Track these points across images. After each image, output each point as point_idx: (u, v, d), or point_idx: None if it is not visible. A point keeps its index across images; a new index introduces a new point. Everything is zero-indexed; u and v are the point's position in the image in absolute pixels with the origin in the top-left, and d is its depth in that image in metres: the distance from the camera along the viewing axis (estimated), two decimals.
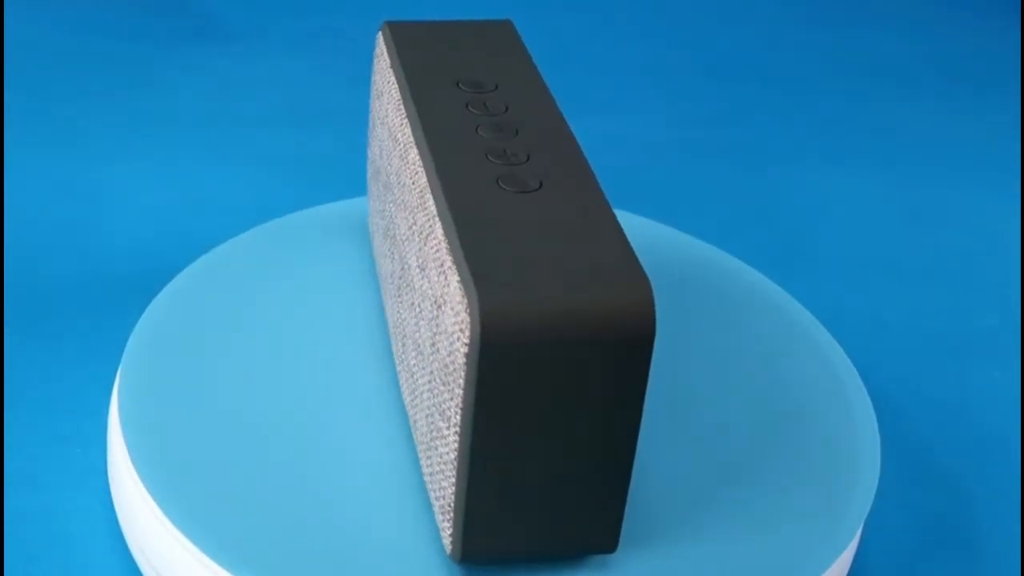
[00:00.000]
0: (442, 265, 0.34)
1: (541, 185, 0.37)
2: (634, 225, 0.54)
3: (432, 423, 0.35)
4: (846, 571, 0.41)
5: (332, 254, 0.50)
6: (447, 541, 0.36)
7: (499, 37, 0.46)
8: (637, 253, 0.52)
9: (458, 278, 0.33)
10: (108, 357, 0.51)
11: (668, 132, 0.73)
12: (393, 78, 0.44)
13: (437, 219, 0.36)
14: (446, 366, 0.33)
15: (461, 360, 0.32)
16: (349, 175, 0.66)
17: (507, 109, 0.41)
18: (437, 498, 0.36)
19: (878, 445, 0.43)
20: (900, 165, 0.73)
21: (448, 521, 0.35)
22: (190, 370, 0.43)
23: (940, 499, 0.48)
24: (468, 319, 0.32)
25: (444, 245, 0.34)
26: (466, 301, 0.32)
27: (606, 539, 0.36)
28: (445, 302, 0.33)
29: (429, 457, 0.36)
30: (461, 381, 0.33)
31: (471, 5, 0.88)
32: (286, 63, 0.78)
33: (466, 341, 0.32)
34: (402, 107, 0.42)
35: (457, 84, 0.43)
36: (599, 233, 0.35)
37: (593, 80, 0.79)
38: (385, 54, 0.45)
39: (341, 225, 0.52)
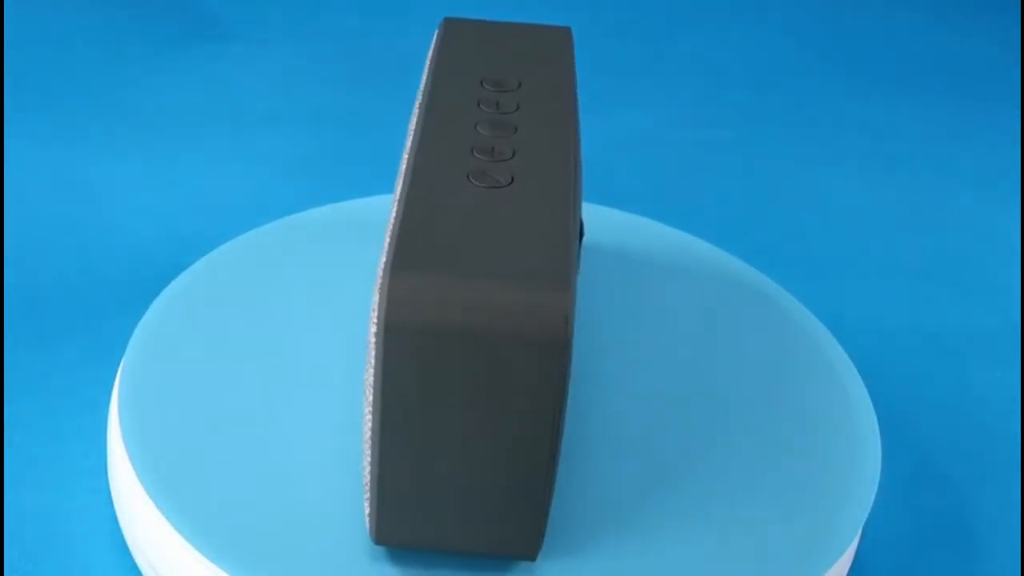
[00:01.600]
0: (385, 248, 0.34)
1: (512, 181, 0.37)
2: (634, 225, 0.54)
3: (365, 403, 0.36)
4: (846, 571, 0.41)
5: (333, 255, 0.50)
6: (367, 521, 0.36)
7: (549, 42, 0.46)
8: (636, 253, 0.52)
9: (385, 260, 0.33)
10: (108, 357, 0.51)
11: (668, 132, 0.73)
12: (426, 71, 0.44)
13: (396, 204, 0.36)
14: (370, 346, 0.34)
15: (373, 339, 0.33)
16: (350, 175, 0.66)
17: (517, 107, 0.41)
18: (365, 478, 0.36)
19: (878, 445, 0.43)
20: (900, 165, 0.73)
21: (367, 501, 0.36)
22: (190, 370, 0.43)
23: (940, 499, 0.48)
24: (378, 299, 0.32)
25: (393, 230, 0.35)
26: (382, 282, 0.33)
27: (526, 545, 0.36)
28: (376, 283, 0.34)
29: (364, 438, 0.36)
30: (374, 360, 0.33)
31: (472, 5, 0.88)
32: (286, 63, 0.78)
33: (375, 320, 0.33)
34: (420, 99, 0.42)
35: (481, 82, 0.43)
36: (545, 236, 0.34)
37: (593, 80, 0.79)
38: (432, 48, 0.46)
39: (342, 226, 0.52)
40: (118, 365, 0.49)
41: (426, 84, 0.43)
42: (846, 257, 0.63)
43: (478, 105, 0.41)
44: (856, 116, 0.78)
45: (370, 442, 0.35)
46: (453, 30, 0.47)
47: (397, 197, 0.38)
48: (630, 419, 0.43)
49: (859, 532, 0.40)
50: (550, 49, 0.46)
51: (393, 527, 0.36)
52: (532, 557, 0.36)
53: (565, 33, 0.47)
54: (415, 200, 0.35)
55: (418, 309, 0.32)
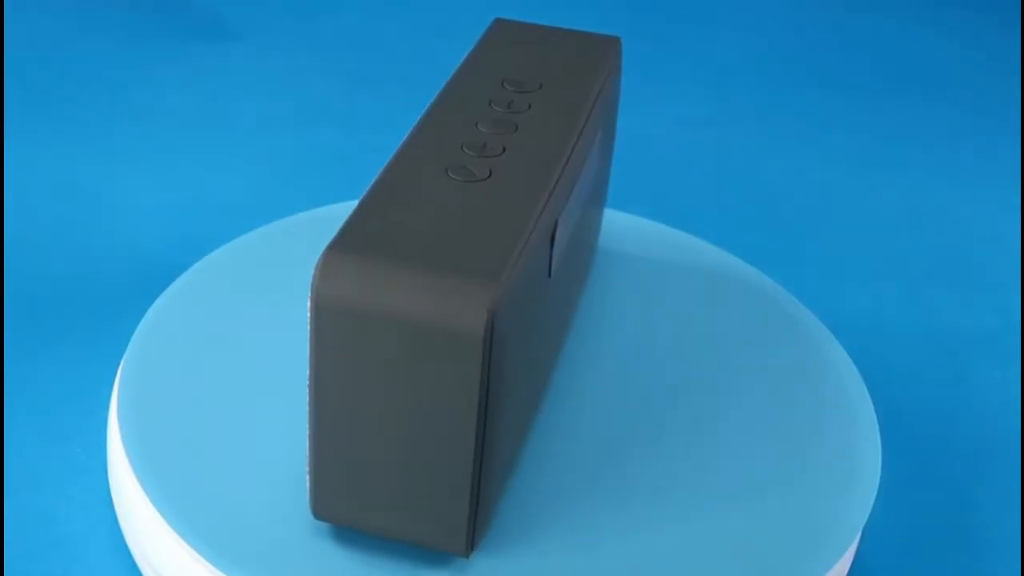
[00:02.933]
0: None
1: (489, 176, 0.37)
2: (634, 225, 0.54)
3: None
4: (846, 571, 0.41)
5: None
6: (308, 496, 0.36)
7: (591, 49, 0.46)
8: (636, 253, 0.52)
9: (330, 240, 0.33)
10: (108, 357, 0.51)
11: (667, 132, 0.73)
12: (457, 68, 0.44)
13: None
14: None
15: (308, 316, 0.33)
16: (350, 176, 0.66)
17: (529, 107, 0.41)
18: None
19: (878, 445, 0.43)
20: (900, 165, 0.73)
21: (307, 475, 0.36)
22: (190, 371, 0.43)
23: (940, 499, 0.48)
24: (311, 277, 0.32)
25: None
26: (319, 260, 0.33)
27: (453, 540, 0.36)
28: None
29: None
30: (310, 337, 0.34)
31: (471, 5, 0.88)
32: (286, 63, 0.78)
33: (309, 297, 0.33)
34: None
35: (502, 82, 0.43)
36: (498, 231, 0.34)
37: None
38: (473, 46, 0.46)
39: None
40: (118, 365, 0.49)
41: (449, 80, 0.43)
42: (846, 257, 0.63)
43: (489, 104, 0.41)
44: (856, 116, 0.78)
45: (307, 415, 0.35)
46: (499, 30, 0.47)
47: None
48: (628, 418, 0.43)
49: (859, 532, 0.40)
50: (589, 56, 0.45)
51: (329, 503, 0.36)
52: (462, 553, 0.36)
53: (612, 43, 0.46)
54: (381, 188, 0.36)
55: (345, 289, 0.32)
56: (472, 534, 0.36)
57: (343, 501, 0.36)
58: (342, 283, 0.32)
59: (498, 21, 0.47)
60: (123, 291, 0.55)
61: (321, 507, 0.36)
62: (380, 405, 0.34)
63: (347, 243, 0.33)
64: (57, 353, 0.51)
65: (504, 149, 0.39)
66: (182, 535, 0.37)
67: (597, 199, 0.47)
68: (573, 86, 0.43)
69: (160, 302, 0.46)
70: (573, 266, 0.43)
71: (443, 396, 0.33)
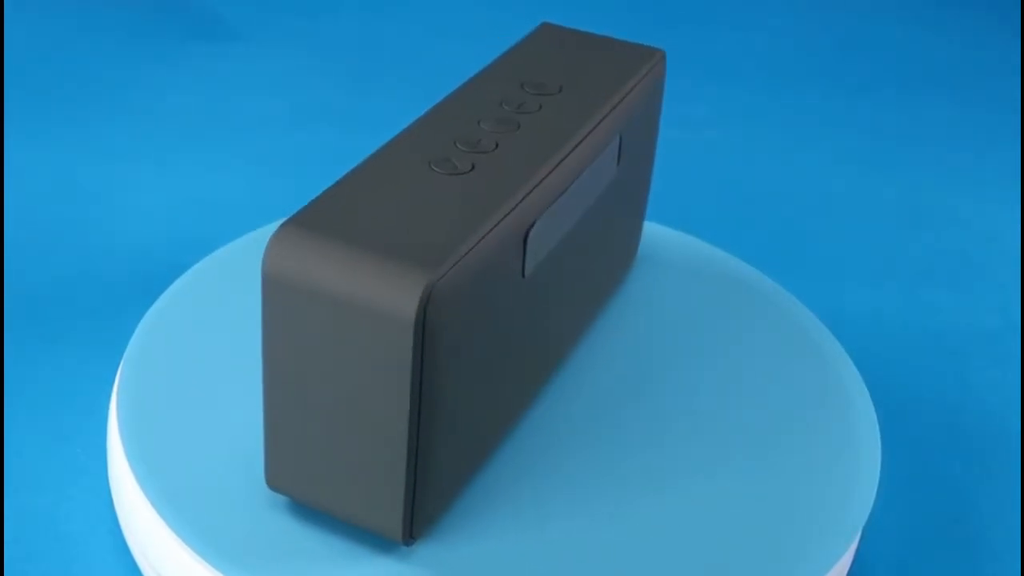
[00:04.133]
0: None
1: (472, 169, 0.37)
2: None
3: None
4: (846, 571, 0.41)
5: None
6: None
7: (630, 59, 0.45)
8: (637, 253, 0.52)
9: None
10: (108, 357, 0.51)
11: (667, 132, 0.73)
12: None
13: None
14: None
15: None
16: None
17: (539, 108, 0.41)
18: None
19: (878, 445, 0.43)
20: (900, 165, 0.73)
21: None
22: (190, 371, 0.43)
23: (940, 499, 0.48)
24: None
25: None
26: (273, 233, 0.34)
27: (391, 526, 0.36)
28: None
29: None
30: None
31: (471, 5, 0.88)
32: (286, 63, 0.78)
33: (262, 271, 0.34)
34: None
35: (522, 84, 0.42)
36: (459, 223, 0.34)
37: None
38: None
39: None
40: (118, 365, 0.49)
41: (470, 78, 0.43)
42: (846, 257, 0.63)
43: (500, 103, 0.41)
44: (856, 116, 0.78)
45: None
46: (542, 34, 0.46)
47: None
48: (625, 417, 0.43)
49: (859, 532, 0.40)
50: (621, 64, 0.45)
51: (281, 475, 0.37)
52: (399, 540, 0.36)
53: (651, 54, 0.46)
54: (357, 173, 0.36)
55: (292, 263, 0.33)
56: (411, 522, 0.36)
57: (293, 474, 0.36)
58: (290, 257, 0.33)
59: (544, 25, 0.47)
60: (123, 291, 0.55)
61: (274, 478, 0.37)
62: (322, 382, 0.34)
63: (302, 219, 0.34)
64: (57, 353, 0.51)
65: (496, 146, 0.38)
66: (181, 535, 0.37)
67: (622, 209, 0.46)
68: (592, 91, 0.42)
69: (160, 302, 0.46)
70: (578, 272, 0.42)
71: (377, 379, 0.33)
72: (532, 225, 0.37)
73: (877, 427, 0.43)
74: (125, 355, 0.43)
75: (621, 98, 0.42)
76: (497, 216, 0.35)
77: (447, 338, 0.33)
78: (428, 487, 0.36)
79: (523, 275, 0.37)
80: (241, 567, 0.36)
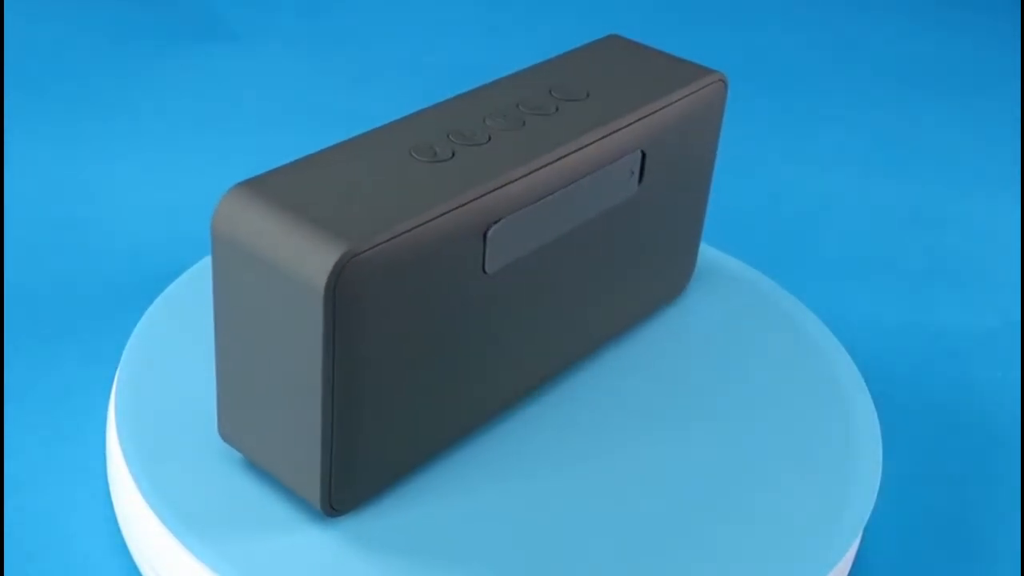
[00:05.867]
0: None
1: (451, 157, 0.37)
2: None
3: None
4: (847, 571, 0.41)
5: None
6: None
7: (679, 78, 0.43)
8: None
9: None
10: (108, 357, 0.51)
11: None
12: None
13: None
14: None
15: None
16: None
17: (556, 110, 0.40)
18: None
19: (879, 445, 0.43)
20: (900, 165, 0.73)
21: None
22: (190, 371, 0.43)
23: (940, 499, 0.48)
24: None
25: None
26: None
27: (311, 492, 0.36)
28: None
29: None
30: None
31: (471, 5, 0.88)
32: (286, 63, 0.78)
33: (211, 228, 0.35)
34: None
35: (550, 89, 0.41)
36: (408, 203, 0.35)
37: None
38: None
39: None
40: (118, 365, 0.49)
41: (501, 77, 0.43)
42: (846, 257, 0.63)
43: (517, 104, 0.40)
44: (856, 116, 0.78)
45: None
46: (603, 44, 0.45)
47: None
48: (623, 416, 0.43)
49: (859, 532, 0.40)
50: (666, 82, 0.43)
51: (230, 427, 0.38)
52: (317, 507, 0.37)
53: (708, 76, 0.43)
54: (333, 150, 0.37)
55: (234, 223, 0.34)
56: (330, 492, 0.36)
57: (241, 430, 0.37)
58: (234, 218, 0.34)
59: (611, 36, 0.46)
60: (123, 291, 0.55)
61: (224, 428, 0.38)
62: (256, 341, 0.35)
63: (255, 183, 0.35)
64: (57, 353, 0.51)
65: (489, 139, 0.38)
66: (180, 536, 0.37)
67: (652, 233, 0.44)
68: (617, 102, 0.41)
69: (159, 302, 0.46)
70: (576, 287, 0.41)
71: (299, 344, 0.34)
72: (496, 222, 0.36)
73: (877, 427, 0.43)
74: (124, 355, 0.43)
75: (648, 113, 0.41)
76: (451, 205, 0.35)
77: (367, 312, 0.34)
78: (350, 461, 0.36)
79: (484, 271, 0.37)
80: (240, 567, 0.36)
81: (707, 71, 0.44)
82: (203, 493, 0.38)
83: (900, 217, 0.67)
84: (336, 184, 0.35)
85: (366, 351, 0.34)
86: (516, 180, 0.37)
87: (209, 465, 0.39)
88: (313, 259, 0.33)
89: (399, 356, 0.35)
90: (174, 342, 0.44)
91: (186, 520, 0.37)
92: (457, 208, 0.35)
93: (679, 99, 0.42)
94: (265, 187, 0.35)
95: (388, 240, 0.33)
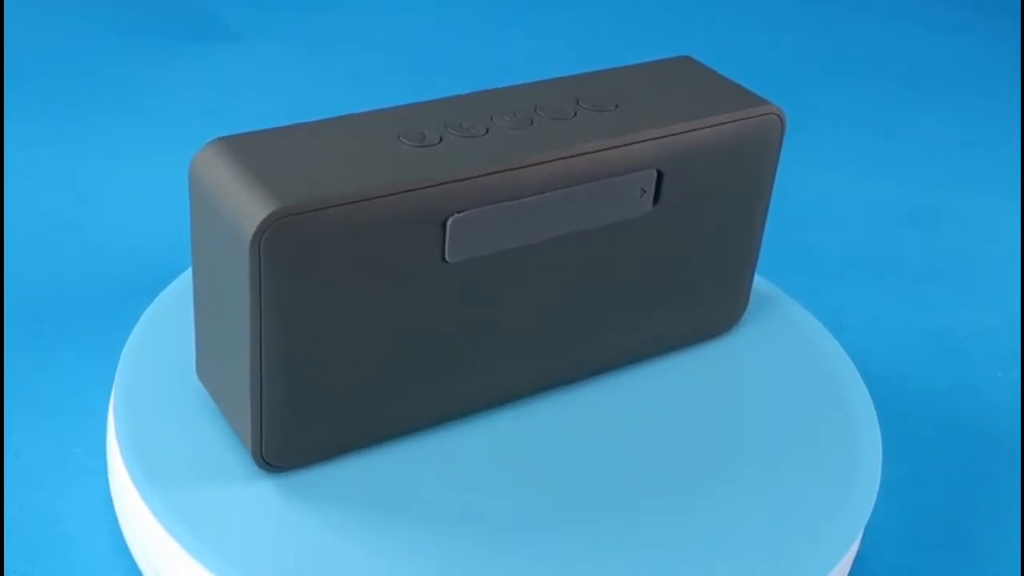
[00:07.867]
0: None
1: (440, 142, 0.37)
2: None
3: None
4: (847, 571, 0.41)
5: None
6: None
7: (723, 105, 0.41)
8: None
9: None
10: (108, 357, 0.50)
11: None
12: None
13: None
14: None
15: None
16: None
17: (573, 116, 0.39)
18: None
19: (878, 445, 0.43)
20: (900, 165, 0.73)
21: None
22: (189, 371, 0.43)
23: (940, 499, 0.48)
24: None
25: None
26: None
27: (247, 441, 0.38)
28: None
29: None
30: None
31: (472, 5, 0.88)
32: (286, 63, 0.78)
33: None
34: None
35: (578, 99, 0.40)
36: (365, 177, 0.35)
37: None
38: None
39: None
40: (118, 365, 0.49)
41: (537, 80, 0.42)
42: (846, 257, 0.63)
43: (535, 108, 0.39)
44: (856, 116, 0.78)
45: None
46: (668, 64, 0.43)
47: None
48: (621, 415, 0.43)
49: (860, 532, 0.40)
50: (708, 107, 0.40)
51: (203, 369, 0.40)
52: (256, 462, 0.38)
53: (761, 108, 0.41)
54: (320, 124, 0.38)
55: (205, 174, 0.36)
56: (261, 443, 0.37)
57: (208, 371, 0.39)
58: (206, 167, 0.36)
59: (683, 58, 0.43)
60: (123, 291, 0.55)
61: (199, 369, 0.40)
62: (213, 286, 0.37)
63: (233, 140, 0.37)
64: (57, 353, 0.51)
65: (486, 132, 0.38)
66: (179, 536, 0.37)
67: (676, 260, 0.42)
68: (640, 119, 0.39)
69: (159, 302, 0.46)
70: (566, 299, 0.40)
71: (237, 295, 0.35)
72: (460, 211, 0.36)
73: (877, 427, 0.43)
74: (123, 355, 0.43)
75: (672, 133, 0.39)
76: (407, 187, 0.35)
77: (297, 272, 0.35)
78: (283, 416, 0.37)
79: (443, 259, 0.37)
80: (240, 567, 0.36)
81: (760, 102, 0.41)
82: (203, 493, 0.38)
83: (900, 217, 0.67)
84: (308, 152, 0.36)
85: (298, 311, 0.35)
86: (492, 174, 0.36)
87: (210, 465, 0.39)
88: (248, 213, 0.34)
89: (338, 323, 0.36)
90: (174, 342, 0.44)
91: (186, 520, 0.37)
92: (414, 191, 0.35)
93: (714, 124, 0.40)
94: (239, 144, 0.36)
95: (327, 207, 0.34)
